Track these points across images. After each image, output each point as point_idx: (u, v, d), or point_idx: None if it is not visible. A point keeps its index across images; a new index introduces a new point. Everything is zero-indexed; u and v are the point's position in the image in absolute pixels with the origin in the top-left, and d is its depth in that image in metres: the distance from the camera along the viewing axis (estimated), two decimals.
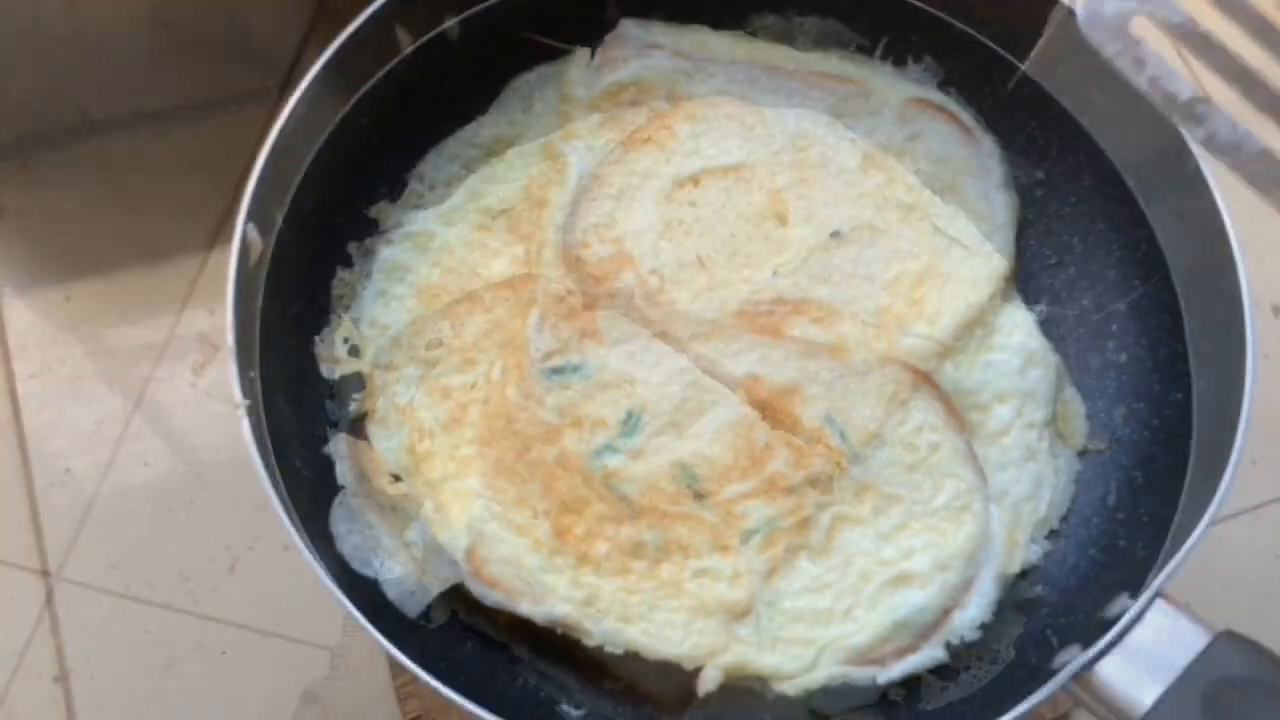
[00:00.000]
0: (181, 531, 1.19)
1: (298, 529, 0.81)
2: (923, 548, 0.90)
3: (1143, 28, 0.67)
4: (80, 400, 1.25)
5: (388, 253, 1.01)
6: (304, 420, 0.92)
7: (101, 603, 1.15)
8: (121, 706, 1.12)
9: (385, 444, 0.95)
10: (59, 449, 1.23)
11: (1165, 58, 0.68)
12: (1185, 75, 0.77)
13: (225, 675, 1.13)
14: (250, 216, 0.89)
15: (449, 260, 1.00)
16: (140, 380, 1.26)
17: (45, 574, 1.17)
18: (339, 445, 0.92)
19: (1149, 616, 0.78)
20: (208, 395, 1.25)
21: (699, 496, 0.90)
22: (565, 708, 0.89)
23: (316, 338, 0.96)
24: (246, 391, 0.85)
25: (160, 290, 1.30)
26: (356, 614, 0.79)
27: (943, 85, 1.07)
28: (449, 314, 0.98)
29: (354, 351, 0.98)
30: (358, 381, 0.97)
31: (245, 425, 0.83)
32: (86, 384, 1.25)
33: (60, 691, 1.12)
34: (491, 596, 0.87)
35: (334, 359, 0.96)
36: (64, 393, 1.25)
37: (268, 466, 0.83)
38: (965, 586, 0.89)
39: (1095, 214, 1.02)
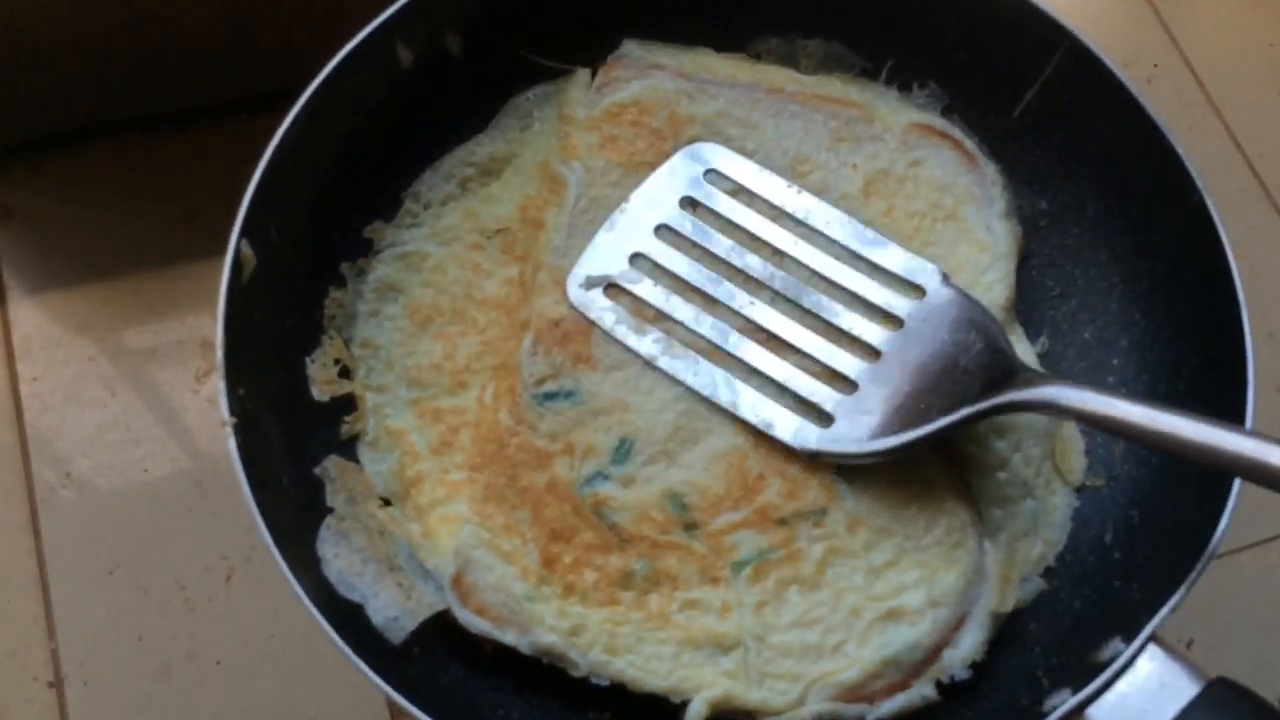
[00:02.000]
0: (179, 539, 1.19)
1: (281, 550, 0.80)
2: (915, 583, 0.88)
3: None
4: (83, 404, 1.25)
5: (380, 272, 1.00)
6: (293, 439, 0.91)
7: (97, 608, 1.15)
8: (115, 713, 1.11)
9: (375, 467, 0.94)
10: (60, 452, 1.23)
11: None
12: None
13: (219, 685, 1.13)
14: (244, 232, 0.89)
15: (442, 280, 0.99)
16: (143, 385, 1.26)
17: (43, 577, 1.16)
18: (330, 467, 0.92)
19: (1140, 662, 0.78)
20: (209, 403, 1.25)
21: (689, 526, 0.89)
22: None
23: (308, 359, 0.96)
24: (235, 408, 0.85)
25: (166, 295, 1.30)
26: (337, 639, 0.78)
27: (946, 111, 1.06)
28: (441, 335, 0.97)
29: (345, 373, 0.97)
30: (348, 402, 0.97)
31: (232, 443, 0.84)
32: (90, 387, 1.25)
33: (54, 697, 1.12)
34: (477, 624, 0.87)
35: (325, 380, 0.95)
36: (67, 396, 1.25)
37: (254, 484, 0.82)
38: (957, 624, 0.88)
39: (1098, 245, 1.01)
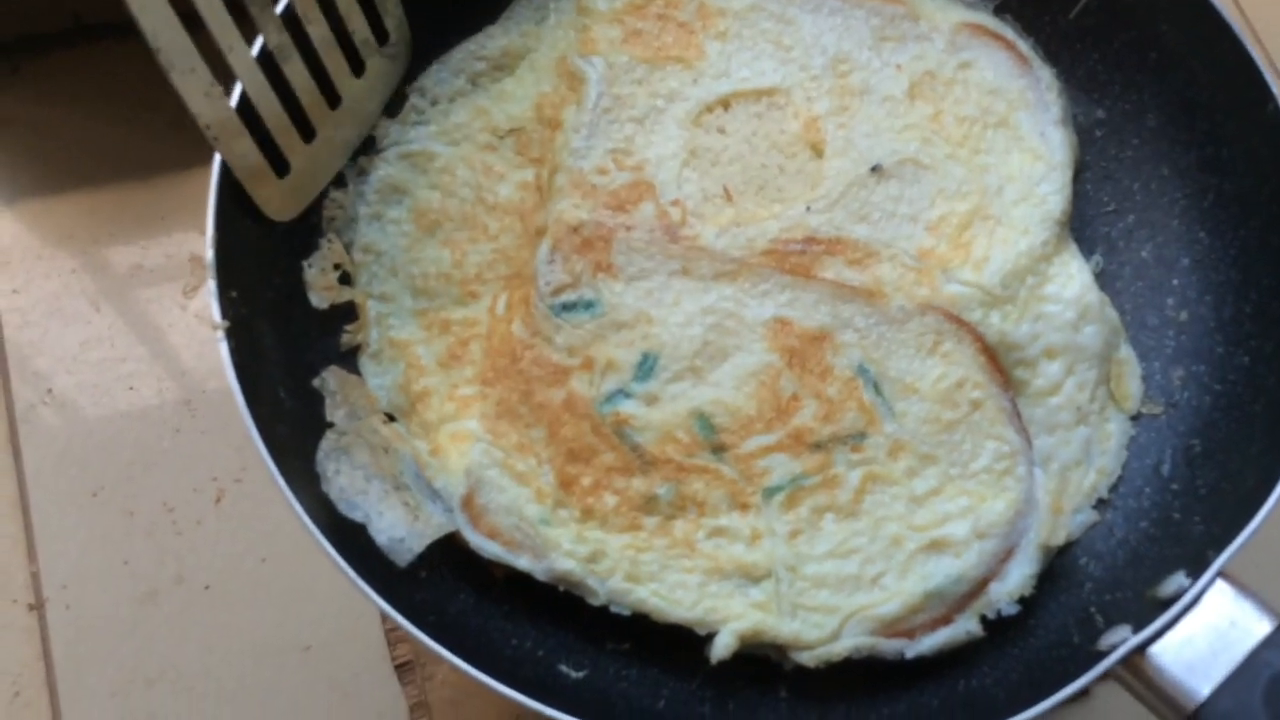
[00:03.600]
0: (166, 459, 1.14)
1: (278, 465, 0.75)
2: (960, 513, 0.83)
3: None
4: (65, 319, 1.20)
5: (383, 172, 0.94)
6: (290, 349, 0.86)
7: (80, 530, 1.11)
8: (98, 638, 1.07)
9: (378, 380, 0.89)
10: (41, 368, 1.18)
11: None
12: None
13: (207, 611, 1.09)
14: None
15: (450, 183, 0.93)
16: (128, 300, 1.21)
17: (23, 498, 1.12)
18: (329, 379, 0.86)
19: (1208, 598, 0.73)
20: (198, 319, 1.21)
21: (717, 449, 0.84)
22: (564, 668, 0.84)
23: (305, 263, 0.90)
24: (226, 311, 0.80)
25: (152, 207, 1.25)
26: (338, 558, 0.74)
27: (999, 11, 1.00)
28: (449, 242, 0.92)
29: (345, 279, 0.92)
30: (349, 312, 0.91)
31: (224, 348, 0.79)
32: (72, 302, 1.20)
33: (35, 620, 1.08)
34: (489, 548, 0.82)
35: (324, 286, 0.90)
36: (49, 310, 1.20)
37: (248, 395, 0.78)
38: (1004, 556, 0.83)
39: (1159, 158, 0.95)
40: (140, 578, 1.10)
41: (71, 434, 1.15)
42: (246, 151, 0.82)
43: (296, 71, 0.85)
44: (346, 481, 0.80)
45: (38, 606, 1.08)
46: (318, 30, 0.85)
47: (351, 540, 0.78)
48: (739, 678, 0.83)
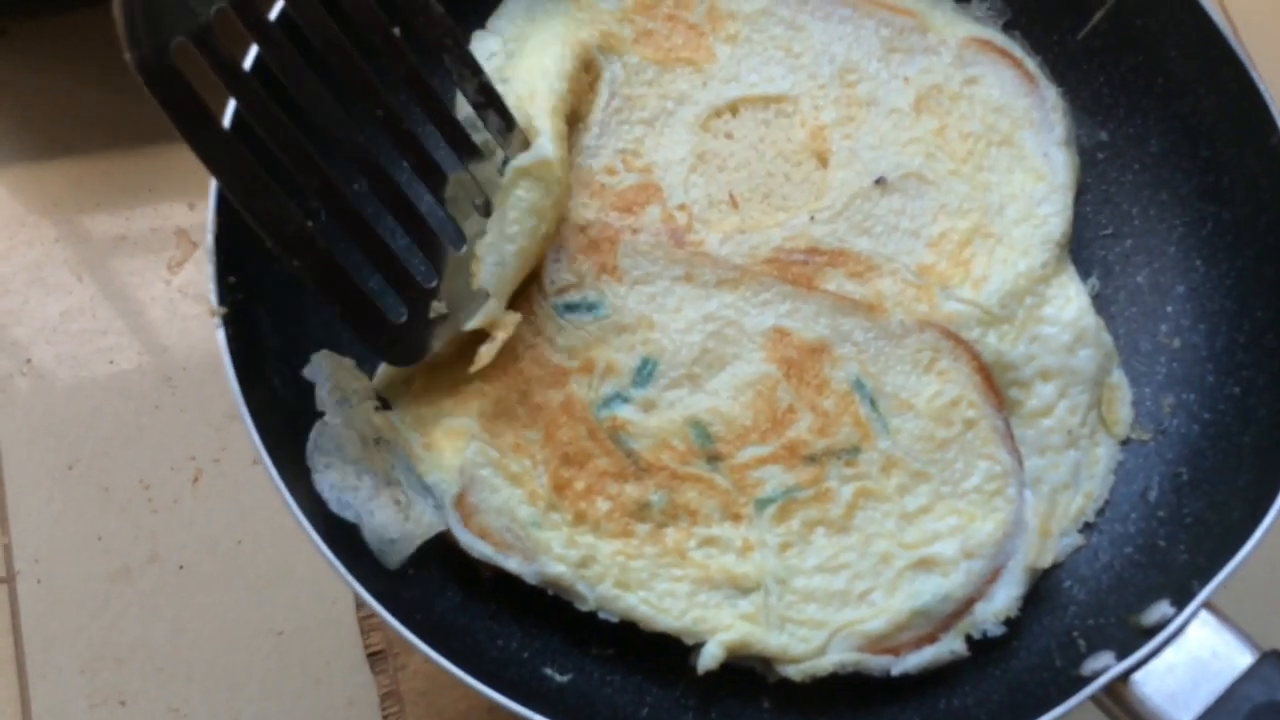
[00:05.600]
0: (145, 436, 1.13)
1: (271, 454, 0.74)
2: (949, 532, 0.83)
3: None
4: (47, 288, 1.18)
5: None
6: (286, 336, 0.84)
7: (55, 504, 1.09)
8: (69, 613, 1.06)
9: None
10: (20, 337, 1.16)
11: None
12: None
13: (180, 591, 1.08)
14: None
15: None
16: (111, 272, 1.19)
17: None
18: (320, 363, 0.84)
19: (1191, 629, 0.74)
20: (181, 294, 1.19)
21: (712, 458, 0.84)
22: (549, 672, 0.84)
23: None
24: (224, 298, 0.78)
25: (139, 177, 1.22)
26: (331, 556, 0.72)
27: (1007, 27, 1.00)
28: None
29: None
30: None
31: (220, 334, 0.77)
32: (54, 272, 1.18)
33: (4, 593, 1.06)
34: (479, 548, 0.81)
35: None
36: (30, 278, 1.18)
37: (243, 383, 0.76)
38: (991, 577, 0.83)
39: (1160, 184, 0.95)
40: (114, 554, 1.08)
41: (49, 405, 1.13)
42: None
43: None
44: (337, 476, 0.79)
45: (8, 580, 1.07)
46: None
47: (341, 535, 0.77)
48: (723, 687, 0.83)
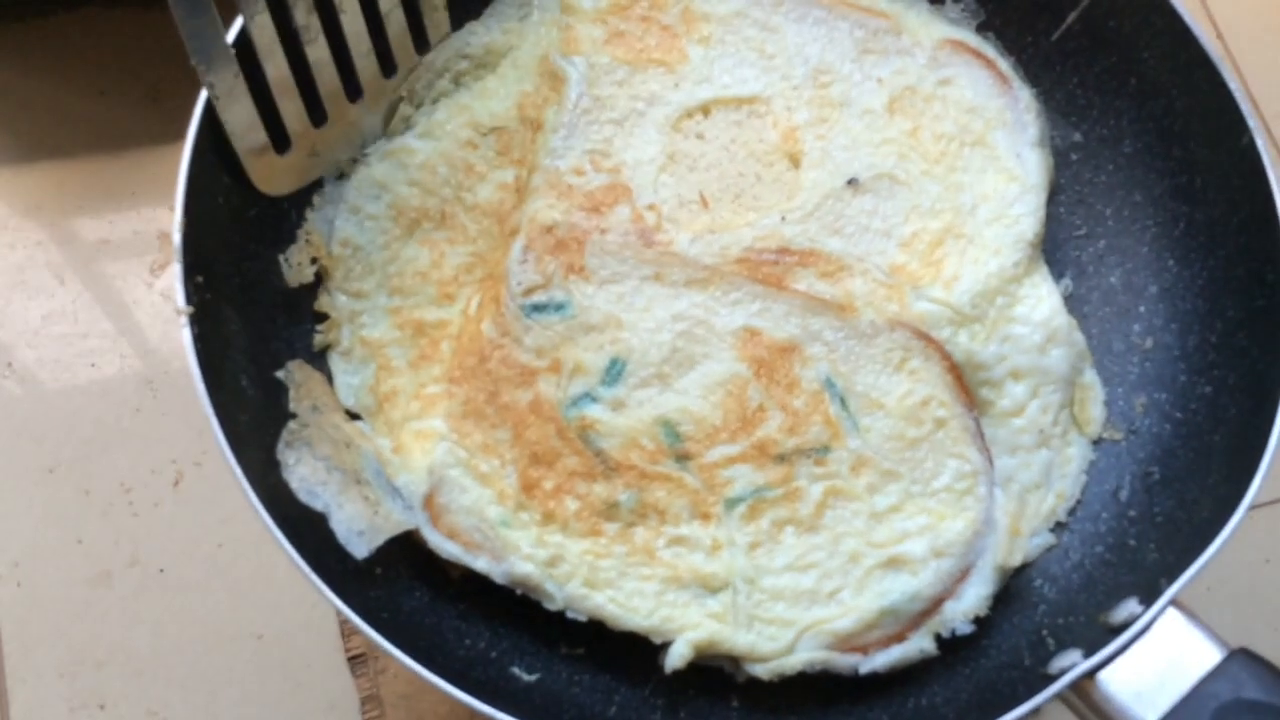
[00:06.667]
0: (126, 439, 1.13)
1: (235, 452, 0.74)
2: (918, 531, 0.83)
3: None
4: (29, 291, 1.18)
5: (365, 168, 0.92)
6: (255, 338, 0.85)
7: (35, 506, 1.10)
8: (48, 617, 1.06)
9: (347, 379, 0.89)
10: (1, 340, 1.16)
11: None
12: None
13: (161, 595, 1.08)
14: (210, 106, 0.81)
15: (430, 180, 0.92)
16: (94, 275, 1.19)
17: None
18: (293, 371, 0.85)
19: (1158, 626, 0.74)
20: (164, 298, 1.19)
21: (681, 457, 0.84)
22: (517, 671, 0.84)
23: (282, 257, 0.89)
24: (191, 297, 0.79)
25: (124, 181, 1.23)
26: (292, 552, 0.73)
27: (982, 29, 1.00)
28: (428, 241, 0.91)
29: (320, 276, 0.90)
30: (310, 299, 0.90)
31: (187, 334, 0.78)
32: (37, 274, 1.19)
33: None
34: (448, 548, 0.81)
35: (299, 280, 0.88)
36: (12, 281, 1.18)
37: (209, 382, 0.77)
38: (960, 576, 0.83)
39: (1133, 184, 0.95)
40: (94, 558, 1.08)
41: (30, 408, 1.13)
42: (244, 118, 0.81)
43: (320, 56, 0.84)
44: (307, 471, 0.79)
45: None
46: (351, 22, 0.85)
47: (307, 533, 0.77)
48: (691, 686, 0.83)
